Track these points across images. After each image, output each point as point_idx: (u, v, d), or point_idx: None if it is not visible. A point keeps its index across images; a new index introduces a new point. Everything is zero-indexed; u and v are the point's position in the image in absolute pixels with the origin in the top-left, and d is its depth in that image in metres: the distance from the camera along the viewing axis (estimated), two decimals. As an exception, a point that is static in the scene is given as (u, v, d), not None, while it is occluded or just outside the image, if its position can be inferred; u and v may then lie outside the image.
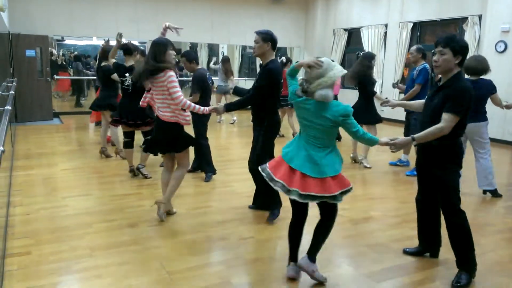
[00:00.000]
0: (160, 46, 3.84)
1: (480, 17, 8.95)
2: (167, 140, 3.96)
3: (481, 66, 4.72)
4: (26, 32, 9.71)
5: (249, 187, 4.63)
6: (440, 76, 2.99)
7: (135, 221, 4.02)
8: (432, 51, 3.02)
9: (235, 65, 15.58)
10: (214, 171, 5.51)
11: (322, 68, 2.67)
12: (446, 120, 2.79)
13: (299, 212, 2.95)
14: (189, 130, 4.30)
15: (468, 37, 9.08)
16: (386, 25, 11.24)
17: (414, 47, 6.10)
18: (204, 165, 5.53)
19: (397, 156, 6.54)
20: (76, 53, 13.89)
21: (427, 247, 3.37)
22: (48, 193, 4.81)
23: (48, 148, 7.14)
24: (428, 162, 3.02)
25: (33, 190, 4.92)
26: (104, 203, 4.53)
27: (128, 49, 5.45)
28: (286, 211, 4.31)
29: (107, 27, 10.92)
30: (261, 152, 4.02)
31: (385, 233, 3.90)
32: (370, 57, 6.31)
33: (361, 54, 6.52)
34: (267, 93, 3.94)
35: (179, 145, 4.00)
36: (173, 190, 4.10)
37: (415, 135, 2.88)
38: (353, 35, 12.64)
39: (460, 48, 2.82)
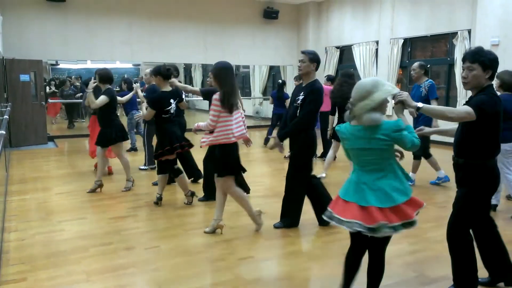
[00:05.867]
0: (228, 69, 4.06)
1: (469, 31, 9.10)
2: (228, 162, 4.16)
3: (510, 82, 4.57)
4: (20, 57, 9.75)
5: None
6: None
7: (131, 244, 3.97)
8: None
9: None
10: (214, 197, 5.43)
11: (365, 89, 2.45)
12: (460, 108, 2.60)
13: (361, 242, 2.64)
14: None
15: (458, 52, 9.22)
16: (377, 42, 11.40)
17: (416, 64, 6.03)
18: (207, 188, 5.36)
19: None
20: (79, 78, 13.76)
21: (497, 275, 3.04)
22: (43, 218, 4.75)
23: (43, 172, 7.08)
24: (459, 183, 2.84)
25: (28, 215, 4.86)
26: (100, 226, 4.47)
27: (168, 75, 4.98)
28: (291, 230, 4.28)
29: (102, 50, 11.01)
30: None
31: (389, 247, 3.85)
32: (352, 74, 6.27)
33: (340, 74, 6.44)
34: (316, 113, 4.18)
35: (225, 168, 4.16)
36: (248, 208, 4.22)
37: (422, 105, 2.63)
38: (345, 52, 12.80)
39: (490, 62, 2.64)
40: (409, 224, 2.44)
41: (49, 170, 7.22)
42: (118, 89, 8.62)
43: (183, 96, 5.50)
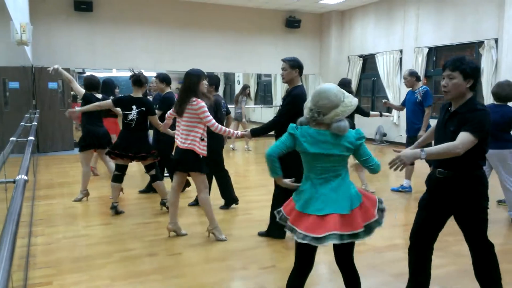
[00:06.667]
0: (194, 76, 4.10)
1: (496, 40, 8.93)
2: (181, 159, 4.12)
3: (504, 93, 4.62)
4: (48, 65, 9.99)
5: (269, 214, 4.58)
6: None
7: (154, 250, 4.00)
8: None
9: (251, 93, 15.76)
10: (236, 202, 5.48)
11: (337, 97, 2.40)
12: (463, 140, 2.48)
13: (307, 259, 2.59)
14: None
15: (485, 61, 9.04)
16: (401, 51, 11.28)
17: (406, 72, 6.15)
18: (226, 196, 5.44)
19: (399, 182, 6.53)
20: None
21: None
22: (69, 223, 4.84)
23: (69, 177, 7.24)
24: (449, 197, 2.70)
25: (55, 220, 4.96)
26: (124, 232, 4.53)
27: (139, 81, 5.03)
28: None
29: (126, 59, 11.22)
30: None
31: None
32: (349, 82, 6.34)
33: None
34: (291, 117, 3.97)
35: (191, 165, 4.10)
36: (210, 214, 4.25)
37: (426, 148, 2.56)
38: (368, 61, 12.72)
39: (471, 71, 2.55)
40: (354, 236, 2.34)
41: (75, 176, 7.37)
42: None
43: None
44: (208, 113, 4.03)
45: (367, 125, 11.87)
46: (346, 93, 2.47)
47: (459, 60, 2.58)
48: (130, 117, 4.90)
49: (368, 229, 2.39)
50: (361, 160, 2.47)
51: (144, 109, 4.90)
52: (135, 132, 4.94)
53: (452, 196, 2.69)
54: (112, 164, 5.88)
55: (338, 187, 2.40)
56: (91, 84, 5.80)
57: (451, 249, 4.04)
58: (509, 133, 4.72)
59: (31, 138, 3.66)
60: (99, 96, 5.81)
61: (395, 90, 11.40)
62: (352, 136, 2.40)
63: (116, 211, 5.10)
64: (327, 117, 2.37)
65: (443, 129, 2.70)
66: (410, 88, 6.18)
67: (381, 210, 2.48)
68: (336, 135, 2.38)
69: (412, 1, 10.87)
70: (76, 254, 3.89)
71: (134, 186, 6.50)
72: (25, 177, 1.70)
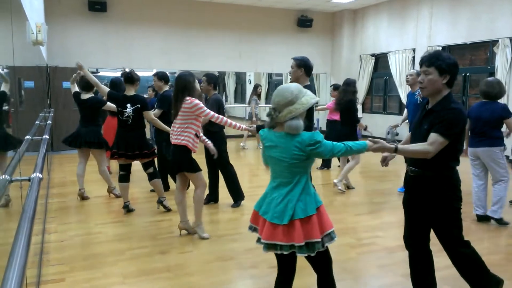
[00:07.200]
0: (189, 76, 4.24)
1: (511, 39, 8.79)
2: (175, 160, 4.23)
3: (495, 92, 4.59)
4: (63, 65, 10.16)
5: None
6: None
7: (166, 248, 4.04)
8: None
9: (262, 92, 15.78)
10: (242, 197, 5.51)
11: (292, 94, 2.28)
12: (433, 142, 2.44)
13: (287, 266, 2.51)
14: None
15: (500, 60, 8.92)
16: (414, 50, 11.18)
17: (414, 71, 6.00)
18: (233, 192, 5.52)
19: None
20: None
21: None
22: (82, 220, 4.91)
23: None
24: (421, 196, 2.67)
25: (68, 217, 5.03)
26: (136, 230, 4.57)
27: (130, 78, 5.02)
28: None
29: (140, 58, 11.33)
30: None
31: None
32: (354, 82, 6.32)
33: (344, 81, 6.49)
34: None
35: (186, 165, 4.20)
36: (198, 212, 4.33)
37: (399, 145, 2.53)
38: (380, 60, 12.63)
39: (447, 66, 2.49)
40: (292, 248, 2.25)
41: (88, 174, 7.42)
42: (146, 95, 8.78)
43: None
44: (204, 107, 4.14)
45: (379, 124, 11.80)
46: (309, 92, 2.35)
47: (435, 56, 2.53)
48: (126, 114, 4.95)
49: (311, 247, 2.27)
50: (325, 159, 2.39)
51: (139, 106, 4.93)
52: (133, 131, 4.98)
53: (422, 195, 2.66)
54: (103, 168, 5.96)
55: (286, 194, 2.30)
56: (83, 84, 5.88)
57: (463, 250, 4.00)
58: (499, 130, 4.67)
59: (46, 136, 3.71)
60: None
61: (408, 89, 11.28)
62: (303, 141, 2.25)
63: (128, 209, 5.15)
64: (281, 114, 2.27)
65: (419, 127, 2.65)
66: (410, 90, 6.10)
67: (330, 238, 2.35)
68: (290, 138, 2.27)
69: (425, 0, 10.77)
70: (88, 252, 3.94)
71: (146, 185, 6.54)
72: (40, 175, 1.72)
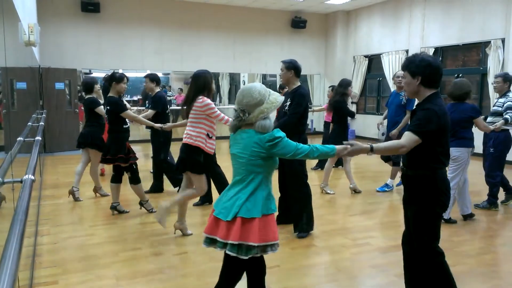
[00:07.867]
0: (208, 75, 4.25)
1: (503, 40, 8.87)
2: (181, 158, 4.19)
3: (459, 92, 4.63)
4: (55, 66, 10.10)
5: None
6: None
7: (160, 249, 4.02)
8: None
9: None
10: None
11: (261, 94, 2.29)
12: (406, 138, 2.49)
13: (229, 272, 2.48)
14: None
15: (492, 61, 9.00)
16: (407, 51, 11.24)
17: (401, 72, 5.96)
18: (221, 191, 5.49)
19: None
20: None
21: None
22: (75, 222, 4.88)
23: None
24: (407, 194, 2.71)
25: (61, 219, 5.00)
26: (130, 231, 4.55)
27: (108, 79, 4.95)
28: (316, 239, 4.25)
29: (133, 59, 11.29)
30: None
31: (415, 262, 3.77)
32: (346, 84, 6.29)
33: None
34: (302, 116, 4.29)
35: (191, 165, 4.15)
36: (183, 211, 4.34)
37: (374, 144, 2.55)
38: (374, 61, 12.69)
39: (417, 68, 2.53)
40: (224, 245, 2.27)
41: (83, 175, 7.39)
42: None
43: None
44: (214, 108, 4.17)
45: (372, 125, 11.84)
46: (272, 91, 2.37)
47: (408, 59, 2.62)
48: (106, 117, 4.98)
49: (246, 250, 2.26)
50: (286, 158, 2.35)
51: (108, 107, 4.88)
52: (110, 134, 4.98)
53: (407, 193, 2.71)
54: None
55: (238, 192, 2.30)
56: (85, 86, 5.86)
57: (458, 250, 4.02)
58: (469, 131, 4.70)
59: (38, 138, 3.68)
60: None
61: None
62: (263, 137, 2.26)
63: (117, 210, 5.11)
64: (252, 115, 2.27)
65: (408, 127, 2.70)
66: (394, 89, 6.14)
67: (271, 249, 2.32)
68: (251, 135, 2.28)
69: (418, 1, 10.83)
70: (81, 254, 3.92)
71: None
72: (32, 177, 1.71)
